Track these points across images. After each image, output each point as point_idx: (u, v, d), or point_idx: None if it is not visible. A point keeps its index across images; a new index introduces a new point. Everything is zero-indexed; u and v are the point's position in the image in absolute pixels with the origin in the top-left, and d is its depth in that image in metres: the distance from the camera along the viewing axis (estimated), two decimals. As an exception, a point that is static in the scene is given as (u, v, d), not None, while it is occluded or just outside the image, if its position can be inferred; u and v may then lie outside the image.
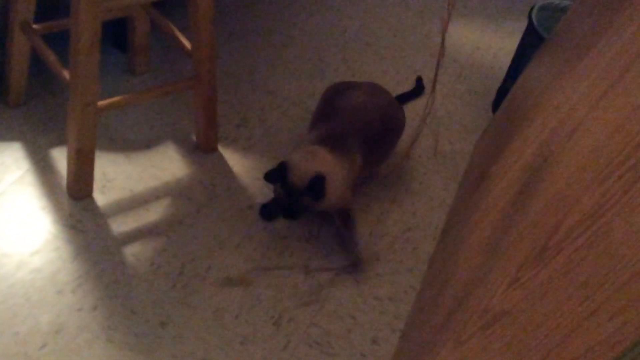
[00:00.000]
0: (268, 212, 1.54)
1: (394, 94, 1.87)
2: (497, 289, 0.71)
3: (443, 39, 1.71)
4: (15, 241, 1.38)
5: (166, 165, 1.63)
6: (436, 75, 1.77)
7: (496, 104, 1.99)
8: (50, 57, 1.47)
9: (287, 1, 2.35)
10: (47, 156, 1.59)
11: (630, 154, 0.52)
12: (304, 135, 1.50)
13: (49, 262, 1.35)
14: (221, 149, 1.70)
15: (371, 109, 1.58)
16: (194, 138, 1.71)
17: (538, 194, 0.74)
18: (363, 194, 1.65)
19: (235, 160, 1.68)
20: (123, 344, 1.24)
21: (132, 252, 1.41)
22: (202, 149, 1.68)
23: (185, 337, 1.27)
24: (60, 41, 1.60)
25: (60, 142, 1.63)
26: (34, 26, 1.56)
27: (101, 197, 1.51)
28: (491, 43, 2.33)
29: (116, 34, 1.94)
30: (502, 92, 1.95)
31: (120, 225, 1.46)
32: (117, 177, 1.57)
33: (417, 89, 2.00)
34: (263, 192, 1.60)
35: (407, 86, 2.02)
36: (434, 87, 1.82)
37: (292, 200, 1.41)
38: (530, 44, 1.79)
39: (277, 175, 1.41)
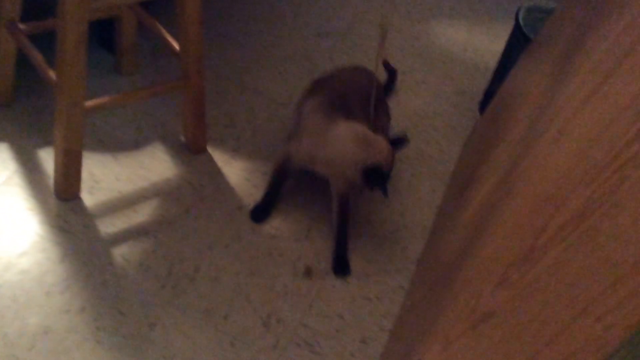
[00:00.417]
0: (258, 213, 1.54)
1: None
2: (485, 289, 0.72)
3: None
4: (2, 243, 1.37)
5: (154, 166, 1.62)
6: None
7: (483, 105, 2.00)
8: (37, 57, 1.46)
9: (275, 2, 2.35)
10: (34, 157, 1.57)
11: (616, 156, 0.52)
12: (285, 143, 1.50)
13: (37, 263, 1.35)
14: (210, 149, 1.70)
15: (352, 78, 1.60)
16: (182, 139, 1.71)
17: (525, 195, 0.75)
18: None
19: (224, 161, 1.68)
20: (112, 345, 1.23)
21: (120, 253, 1.40)
22: (190, 149, 1.67)
23: (174, 338, 1.26)
24: (47, 41, 1.59)
25: (48, 143, 1.62)
26: (21, 26, 1.54)
27: (89, 198, 1.51)
28: (478, 44, 2.34)
29: (103, 34, 1.93)
30: (489, 93, 1.96)
31: (108, 227, 1.45)
32: (105, 178, 1.56)
33: (391, 74, 2.01)
34: (251, 193, 1.60)
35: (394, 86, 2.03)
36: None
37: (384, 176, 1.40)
38: (517, 45, 1.80)
39: (377, 178, 1.40)
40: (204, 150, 1.69)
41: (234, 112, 1.84)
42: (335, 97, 1.50)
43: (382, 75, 2.03)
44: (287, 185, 1.65)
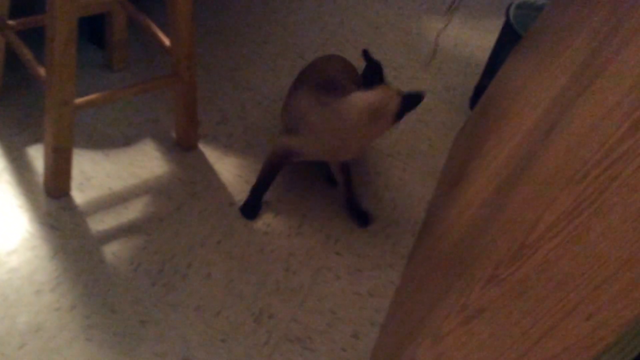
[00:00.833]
0: (250, 210, 1.54)
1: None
2: (475, 285, 0.72)
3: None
4: (-9, 240, 1.36)
5: (146, 162, 1.62)
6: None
7: (474, 101, 2.01)
8: (26, 54, 1.44)
9: (266, -3, 2.35)
10: (24, 154, 1.56)
11: (606, 154, 0.53)
12: (281, 138, 1.50)
13: (26, 261, 1.34)
14: (201, 146, 1.70)
15: (330, 64, 1.61)
16: (173, 135, 1.70)
17: (515, 192, 0.76)
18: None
19: (216, 158, 1.67)
20: (103, 343, 1.23)
21: (111, 250, 1.40)
22: (182, 146, 1.67)
23: (166, 336, 1.26)
24: (36, 38, 1.58)
25: (37, 139, 1.61)
26: (9, 22, 1.53)
27: (79, 195, 1.50)
28: (469, 40, 2.35)
29: (93, 30, 1.92)
30: (480, 89, 1.97)
31: (99, 224, 1.45)
32: (95, 175, 1.56)
33: (374, 66, 1.95)
34: (243, 190, 1.60)
35: (386, 83, 2.03)
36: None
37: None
38: (508, 42, 1.81)
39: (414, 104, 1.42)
40: (195, 147, 1.68)
41: (225, 109, 1.83)
42: (322, 82, 1.50)
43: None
44: (277, 182, 1.65)
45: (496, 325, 0.57)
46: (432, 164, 1.80)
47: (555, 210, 0.58)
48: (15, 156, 1.55)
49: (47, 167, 1.44)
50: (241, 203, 1.56)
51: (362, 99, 1.40)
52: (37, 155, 1.57)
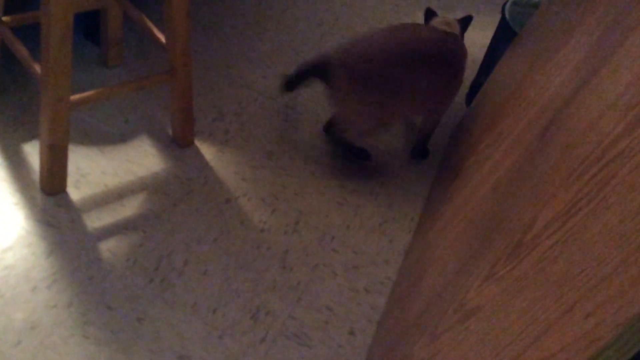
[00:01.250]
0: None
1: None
2: (473, 283, 0.72)
3: None
4: (-13, 238, 1.36)
5: (142, 159, 1.61)
6: None
7: (470, 98, 2.01)
8: (21, 50, 1.44)
9: (262, -7, 2.34)
10: (19, 151, 1.56)
11: (604, 152, 0.53)
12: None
13: (23, 258, 1.34)
14: (197, 143, 1.69)
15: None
16: (169, 132, 1.70)
17: (512, 190, 0.76)
18: (339, 186, 1.66)
19: (212, 155, 1.67)
20: (99, 339, 1.23)
21: (107, 247, 1.39)
22: (178, 143, 1.66)
23: (163, 333, 1.26)
24: (31, 34, 1.57)
25: (32, 136, 1.60)
26: (4, 18, 1.52)
27: (75, 192, 1.49)
28: (465, 37, 2.35)
29: (89, 26, 1.91)
30: (476, 86, 1.97)
31: (95, 221, 1.44)
32: (91, 171, 1.55)
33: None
34: (240, 186, 1.59)
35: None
36: None
37: None
38: (504, 39, 1.81)
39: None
40: (191, 144, 1.68)
41: (222, 105, 1.83)
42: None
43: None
44: (273, 179, 1.65)
45: (494, 323, 0.57)
46: (428, 161, 1.80)
47: (552, 208, 0.58)
48: (11, 153, 1.55)
49: (43, 164, 1.43)
50: (237, 200, 1.56)
51: (435, 27, 1.62)
52: (32, 152, 1.56)
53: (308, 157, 1.73)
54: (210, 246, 1.45)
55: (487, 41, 2.34)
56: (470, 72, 2.15)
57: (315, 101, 1.92)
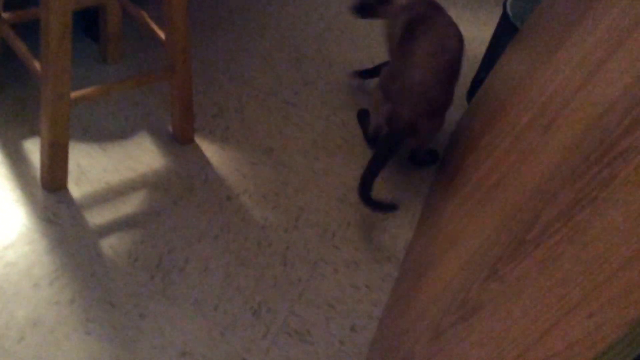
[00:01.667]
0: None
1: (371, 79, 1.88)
2: (475, 281, 0.72)
3: None
4: (-12, 235, 1.36)
5: (142, 156, 1.61)
6: None
7: (471, 94, 2.01)
8: (21, 47, 1.43)
9: (262, -11, 2.33)
10: (20, 148, 1.56)
11: (607, 151, 0.53)
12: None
13: (24, 255, 1.34)
14: (198, 139, 1.69)
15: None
16: (170, 129, 1.70)
17: (515, 188, 0.76)
18: (340, 183, 1.66)
19: (212, 151, 1.67)
20: (102, 336, 1.23)
21: (109, 244, 1.40)
22: (178, 140, 1.66)
23: (165, 329, 1.26)
24: (30, 31, 1.57)
25: (33, 133, 1.60)
26: (4, 15, 1.52)
27: (76, 189, 1.49)
28: (466, 33, 2.34)
29: (88, 22, 1.90)
30: (477, 82, 1.97)
31: (96, 218, 1.44)
32: (92, 168, 1.55)
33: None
34: (240, 183, 1.59)
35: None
36: None
37: None
38: (505, 34, 1.80)
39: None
40: (191, 141, 1.68)
41: (221, 102, 1.83)
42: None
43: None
44: (273, 176, 1.65)
45: (496, 321, 0.57)
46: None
47: (555, 206, 0.58)
48: (11, 150, 1.55)
49: (44, 161, 1.43)
50: (238, 197, 1.56)
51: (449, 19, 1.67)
52: (33, 149, 1.56)
53: (308, 154, 1.73)
54: (211, 243, 1.45)
55: (488, 37, 2.33)
56: (471, 68, 2.15)
57: (315, 98, 1.92)
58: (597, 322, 0.39)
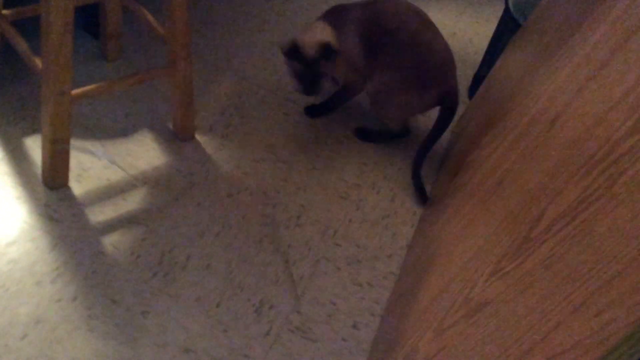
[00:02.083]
0: (313, 111, 1.79)
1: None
2: (479, 278, 0.72)
3: None
4: (-10, 232, 1.36)
5: (143, 153, 1.61)
6: None
7: (472, 90, 2.00)
8: (21, 44, 1.43)
9: (262, -15, 2.33)
10: (21, 145, 1.56)
11: (612, 148, 0.52)
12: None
13: (26, 253, 1.34)
14: (199, 136, 1.69)
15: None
16: (170, 126, 1.70)
17: (519, 184, 0.75)
18: (341, 180, 1.66)
19: (213, 148, 1.67)
20: (104, 333, 1.23)
21: (110, 241, 1.39)
22: (179, 137, 1.66)
23: (167, 326, 1.26)
24: (31, 28, 1.57)
25: (34, 130, 1.60)
26: (4, 12, 1.51)
27: (77, 187, 1.49)
28: (467, 29, 2.34)
29: (88, 19, 1.90)
30: (479, 78, 1.96)
31: (98, 215, 1.44)
32: (93, 166, 1.55)
33: None
34: (241, 180, 1.59)
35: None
36: None
37: (313, 70, 1.62)
38: (507, 30, 1.80)
39: (292, 52, 1.61)
40: (192, 137, 1.68)
41: (222, 99, 1.82)
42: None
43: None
44: (274, 173, 1.65)
45: (501, 319, 0.57)
46: (430, 154, 1.80)
47: (560, 203, 0.57)
48: (13, 147, 1.54)
49: (45, 159, 1.43)
50: (239, 195, 1.55)
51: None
52: (34, 146, 1.56)
53: (310, 151, 1.73)
54: (213, 240, 1.45)
55: (490, 32, 2.33)
56: (473, 64, 2.14)
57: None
58: (604, 320, 0.39)
